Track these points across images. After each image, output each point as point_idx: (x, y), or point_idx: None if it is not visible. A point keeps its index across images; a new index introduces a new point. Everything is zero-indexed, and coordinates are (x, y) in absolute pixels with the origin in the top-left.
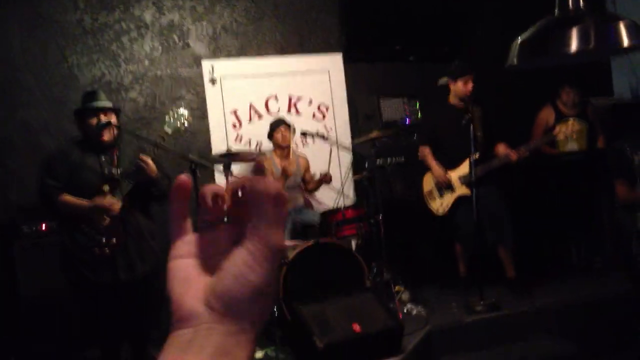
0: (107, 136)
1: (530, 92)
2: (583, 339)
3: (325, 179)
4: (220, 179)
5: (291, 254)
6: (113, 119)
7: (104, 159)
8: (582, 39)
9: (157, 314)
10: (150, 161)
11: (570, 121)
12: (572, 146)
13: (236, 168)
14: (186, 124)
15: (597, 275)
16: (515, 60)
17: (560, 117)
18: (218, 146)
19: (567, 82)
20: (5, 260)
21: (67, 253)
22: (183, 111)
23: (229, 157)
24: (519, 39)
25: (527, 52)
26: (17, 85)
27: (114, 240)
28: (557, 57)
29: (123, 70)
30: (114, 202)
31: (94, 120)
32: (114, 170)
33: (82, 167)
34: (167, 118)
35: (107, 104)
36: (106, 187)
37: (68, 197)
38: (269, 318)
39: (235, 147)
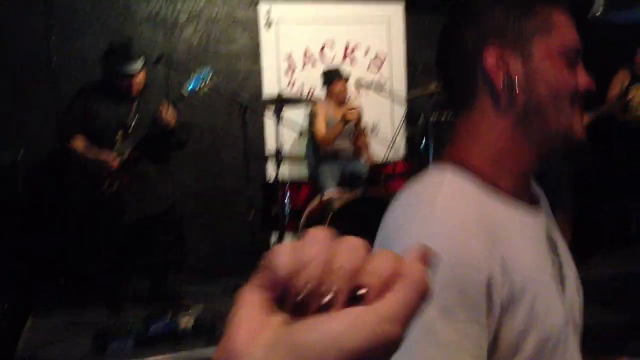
0: (135, 91)
1: (606, 54)
2: (636, 309)
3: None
4: (270, 124)
5: (337, 205)
6: (142, 76)
7: (123, 107)
8: None
9: (179, 249)
10: (168, 113)
11: None
12: None
13: (287, 114)
14: (207, 88)
15: None
16: (601, 11)
17: (637, 80)
18: (270, 91)
19: None
20: (59, 184)
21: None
22: (206, 72)
23: (280, 102)
24: None
25: (615, 2)
26: (75, 14)
27: (118, 183)
28: None
29: (179, 8)
30: (113, 159)
31: (124, 82)
32: (129, 119)
33: (101, 112)
34: (191, 77)
35: (138, 66)
36: (120, 134)
37: (77, 143)
38: None
39: (288, 92)
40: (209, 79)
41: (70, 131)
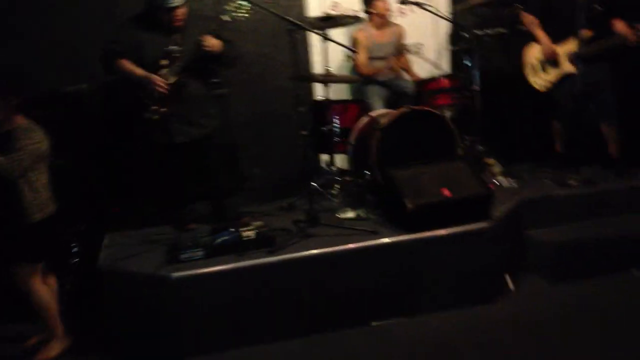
0: (177, 23)
1: None
2: None
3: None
4: (316, 46)
5: (386, 120)
6: (184, 9)
7: (167, 38)
8: None
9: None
10: (211, 41)
11: None
12: None
13: (333, 33)
14: (245, 16)
15: None
16: None
17: None
18: (314, 11)
19: None
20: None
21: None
22: (243, 3)
23: (326, 21)
24: None
25: None
26: None
27: (164, 107)
28: None
29: None
30: (162, 81)
31: (166, 15)
32: (174, 47)
33: (146, 41)
34: (228, 7)
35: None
36: (164, 61)
37: (125, 62)
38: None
39: (331, 13)
40: (246, 7)
41: (115, 56)
